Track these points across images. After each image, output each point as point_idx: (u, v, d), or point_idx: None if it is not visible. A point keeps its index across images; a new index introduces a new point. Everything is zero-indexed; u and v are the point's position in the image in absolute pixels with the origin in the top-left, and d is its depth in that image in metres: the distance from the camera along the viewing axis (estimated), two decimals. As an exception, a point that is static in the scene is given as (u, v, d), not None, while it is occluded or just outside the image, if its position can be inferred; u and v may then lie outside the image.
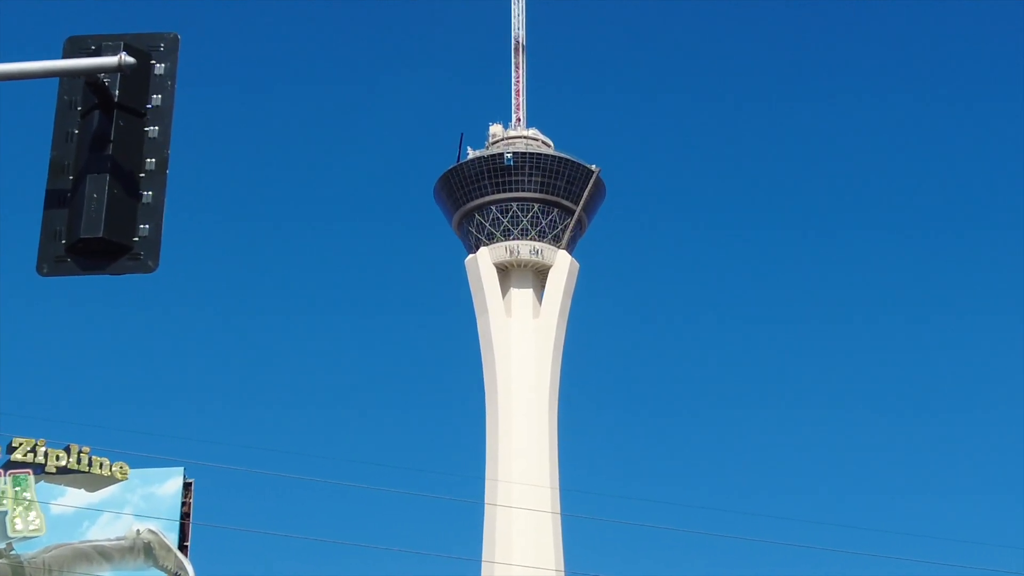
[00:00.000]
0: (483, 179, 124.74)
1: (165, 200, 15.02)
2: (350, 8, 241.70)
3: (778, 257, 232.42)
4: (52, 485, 62.79)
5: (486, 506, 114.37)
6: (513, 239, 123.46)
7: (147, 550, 62.20)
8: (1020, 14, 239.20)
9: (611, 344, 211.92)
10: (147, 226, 14.87)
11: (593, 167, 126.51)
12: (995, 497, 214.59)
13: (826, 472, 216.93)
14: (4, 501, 62.15)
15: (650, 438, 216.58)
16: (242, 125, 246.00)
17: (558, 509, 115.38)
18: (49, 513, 62.46)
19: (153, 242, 14.87)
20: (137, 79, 15.17)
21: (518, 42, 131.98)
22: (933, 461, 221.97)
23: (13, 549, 61.41)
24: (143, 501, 63.15)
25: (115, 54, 14.96)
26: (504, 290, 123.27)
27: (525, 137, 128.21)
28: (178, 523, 62.51)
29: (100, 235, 14.60)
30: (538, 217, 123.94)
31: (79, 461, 63.29)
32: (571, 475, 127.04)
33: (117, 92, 15.07)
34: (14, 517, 62.26)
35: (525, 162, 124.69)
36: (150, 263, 14.80)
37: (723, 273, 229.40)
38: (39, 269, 14.91)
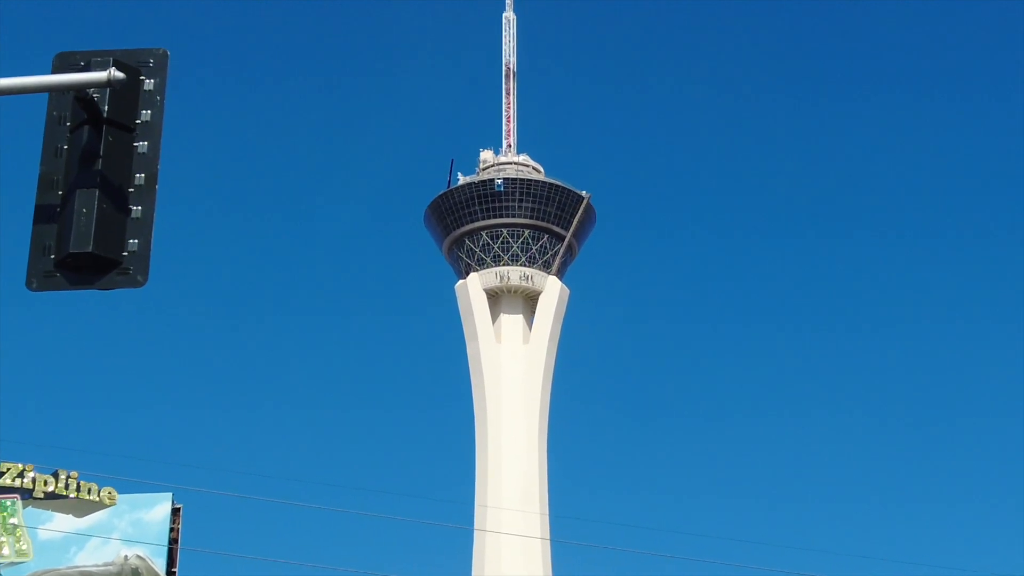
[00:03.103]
0: (473, 205, 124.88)
1: (154, 215, 15.01)
2: (341, 32, 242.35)
3: (770, 281, 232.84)
4: (40, 510, 62.57)
5: (475, 531, 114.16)
6: (503, 265, 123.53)
7: None
8: (1021, 14, 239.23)
9: (601, 370, 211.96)
10: (136, 241, 14.87)
11: (584, 193, 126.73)
12: (997, 506, 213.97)
13: (823, 492, 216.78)
14: (-8, 526, 61.91)
15: (641, 463, 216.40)
16: (231, 148, 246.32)
17: (548, 535, 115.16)
18: (37, 538, 62.24)
19: (142, 257, 14.85)
20: (126, 94, 15.19)
21: (509, 68, 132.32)
22: (945, 471, 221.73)
23: (0, 575, 61.17)
24: (131, 526, 62.93)
25: (104, 69, 14.98)
26: (494, 316, 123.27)
27: (516, 163, 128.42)
28: (166, 548, 62.31)
29: (89, 250, 14.60)
30: (528, 243, 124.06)
31: (67, 486, 63.08)
32: (561, 500, 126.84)
33: (106, 107, 15.08)
34: (1, 543, 62.02)
35: (516, 188, 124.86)
36: (139, 278, 14.78)
37: (714, 298, 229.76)
38: (28, 284, 14.89)
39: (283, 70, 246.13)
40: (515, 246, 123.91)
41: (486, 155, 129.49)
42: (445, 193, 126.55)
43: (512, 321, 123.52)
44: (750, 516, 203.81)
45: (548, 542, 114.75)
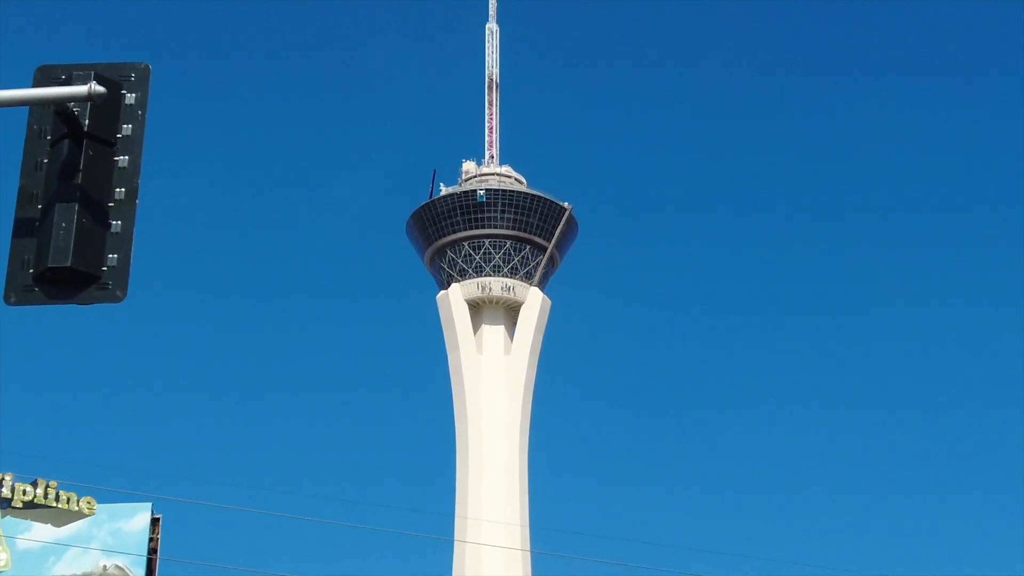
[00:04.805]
0: (456, 215, 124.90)
1: (134, 230, 14.97)
2: (324, 42, 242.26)
3: (754, 290, 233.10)
4: (18, 520, 62.29)
5: (455, 543, 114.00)
6: (485, 276, 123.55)
7: (114, 586, 61.73)
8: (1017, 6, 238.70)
9: (582, 382, 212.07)
10: (116, 256, 14.80)
11: (566, 204, 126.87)
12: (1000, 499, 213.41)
13: (808, 497, 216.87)
14: (-30, 536, 61.64)
15: (622, 474, 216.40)
16: (213, 157, 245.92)
17: (528, 547, 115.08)
18: (15, 548, 61.96)
19: (121, 272, 14.79)
20: (107, 109, 15.12)
21: (492, 79, 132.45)
22: (942, 462, 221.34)
23: (-22, 584, 60.92)
24: (110, 536, 62.69)
25: (85, 83, 14.93)
26: (475, 327, 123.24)
27: (498, 174, 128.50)
28: (145, 559, 62.11)
29: (68, 264, 14.54)
30: (510, 254, 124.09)
31: (46, 496, 62.79)
32: (541, 512, 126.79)
33: (87, 121, 15.02)
34: (-20, 552, 61.74)
35: (498, 199, 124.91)
36: (118, 293, 14.73)
37: (697, 309, 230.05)
38: (6, 298, 14.81)
39: (267, 79, 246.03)
40: (497, 257, 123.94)
41: (468, 166, 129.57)
42: (427, 204, 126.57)
43: (493, 332, 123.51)
44: (734, 527, 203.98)
45: (528, 554, 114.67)
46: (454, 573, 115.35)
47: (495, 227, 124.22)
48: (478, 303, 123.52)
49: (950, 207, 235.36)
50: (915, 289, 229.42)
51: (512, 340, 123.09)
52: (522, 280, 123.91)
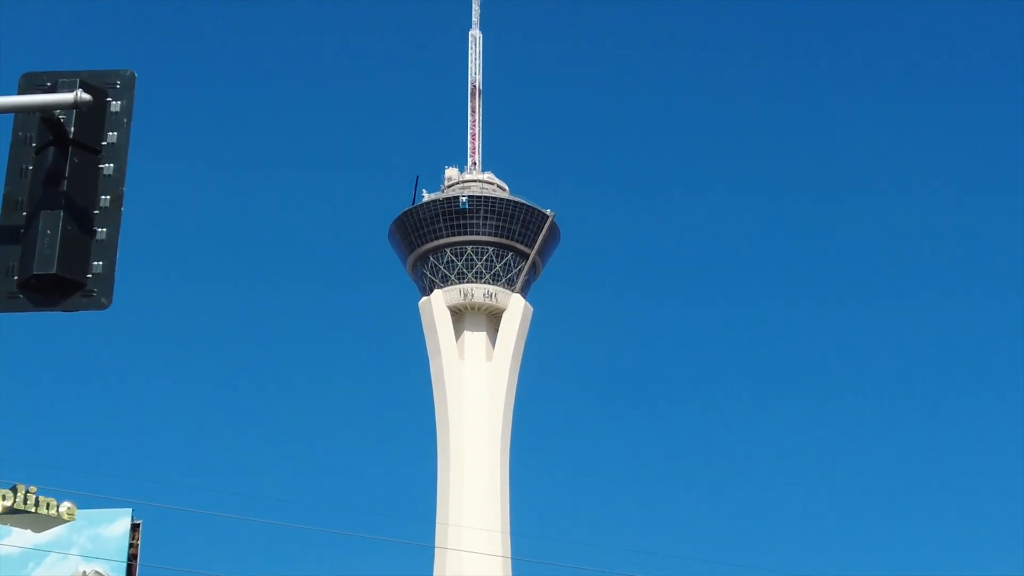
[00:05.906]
0: (438, 222, 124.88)
1: (119, 237, 14.96)
2: (308, 48, 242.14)
3: (736, 297, 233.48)
4: (-2, 525, 62.08)
5: (436, 550, 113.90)
6: (467, 282, 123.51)
7: (93, 591, 61.55)
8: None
9: (564, 388, 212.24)
10: (101, 263, 14.81)
11: (548, 211, 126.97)
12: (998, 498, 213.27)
13: (790, 509, 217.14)
14: (-51, 541, 61.40)
15: (602, 481, 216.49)
16: (193, 162, 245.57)
17: (509, 553, 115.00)
18: (-6, 553, 61.75)
19: (106, 279, 14.79)
20: (93, 116, 15.14)
21: (475, 86, 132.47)
22: (935, 461, 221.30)
23: (-43, 590, 60.67)
24: (90, 542, 62.50)
25: (71, 91, 14.94)
26: (457, 333, 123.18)
27: (481, 181, 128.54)
28: (125, 564, 61.96)
29: (53, 271, 14.54)
30: (492, 260, 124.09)
31: (26, 501, 62.55)
32: (522, 520, 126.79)
33: (72, 129, 15.04)
34: (-42, 557, 61.48)
35: (480, 206, 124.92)
36: (103, 300, 14.72)
37: (677, 317, 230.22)
38: (-9, 305, 14.79)
39: (252, 85, 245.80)
40: (479, 263, 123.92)
41: (451, 172, 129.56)
42: (410, 210, 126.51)
43: (475, 338, 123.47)
44: (718, 532, 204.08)
45: (509, 560, 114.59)
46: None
47: (477, 234, 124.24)
48: (460, 309, 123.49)
49: (941, 207, 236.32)
50: (899, 286, 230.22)
51: (494, 347, 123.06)
52: (504, 287, 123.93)
